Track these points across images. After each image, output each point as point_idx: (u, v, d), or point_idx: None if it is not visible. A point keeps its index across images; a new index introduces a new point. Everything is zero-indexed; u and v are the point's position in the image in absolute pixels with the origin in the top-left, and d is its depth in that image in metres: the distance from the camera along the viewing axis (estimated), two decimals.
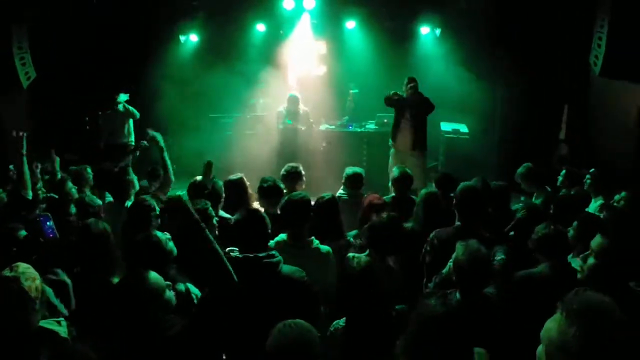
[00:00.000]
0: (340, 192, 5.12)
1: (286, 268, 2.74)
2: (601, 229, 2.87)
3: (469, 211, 3.67)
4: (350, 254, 2.91)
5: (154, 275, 2.48)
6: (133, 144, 8.06)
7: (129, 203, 4.38)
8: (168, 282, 2.57)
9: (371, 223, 3.51)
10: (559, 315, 1.50)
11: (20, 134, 4.36)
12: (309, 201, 3.49)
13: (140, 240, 2.93)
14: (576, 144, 7.91)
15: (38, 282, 2.41)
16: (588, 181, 5.13)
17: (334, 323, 2.67)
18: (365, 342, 2.43)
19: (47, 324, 2.39)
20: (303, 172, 4.94)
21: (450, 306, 2.21)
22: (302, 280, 2.75)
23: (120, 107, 7.80)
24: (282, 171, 4.94)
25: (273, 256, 2.69)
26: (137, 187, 4.83)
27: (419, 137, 7.16)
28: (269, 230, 2.82)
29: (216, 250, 2.50)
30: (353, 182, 5.05)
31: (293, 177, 4.85)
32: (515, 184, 5.52)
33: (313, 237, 3.41)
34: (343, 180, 5.16)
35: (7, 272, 2.39)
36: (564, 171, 5.62)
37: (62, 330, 2.39)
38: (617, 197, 4.58)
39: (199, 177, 4.56)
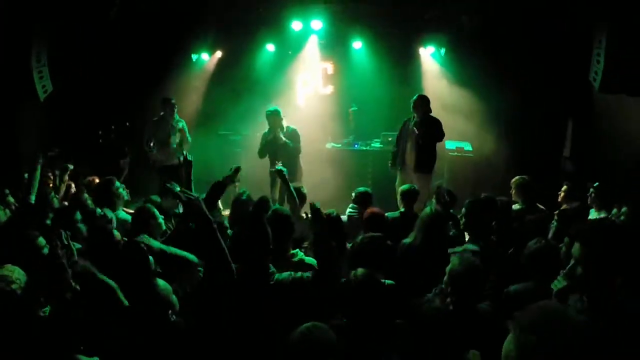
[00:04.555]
0: (349, 210, 5.37)
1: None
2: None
3: (479, 226, 3.82)
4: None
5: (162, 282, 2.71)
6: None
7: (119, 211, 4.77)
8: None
9: (352, 245, 3.60)
10: (512, 335, 1.49)
11: (55, 151, 4.55)
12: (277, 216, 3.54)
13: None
14: (582, 159, 7.92)
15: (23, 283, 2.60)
16: (592, 195, 5.16)
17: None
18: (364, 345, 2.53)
19: None
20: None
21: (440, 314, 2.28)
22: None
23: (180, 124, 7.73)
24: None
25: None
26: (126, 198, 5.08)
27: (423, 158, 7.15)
28: None
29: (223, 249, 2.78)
30: (362, 200, 5.29)
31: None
32: None
33: (297, 250, 3.51)
34: (353, 198, 5.42)
35: None
36: (564, 187, 5.64)
37: None
38: (614, 211, 4.59)
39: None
